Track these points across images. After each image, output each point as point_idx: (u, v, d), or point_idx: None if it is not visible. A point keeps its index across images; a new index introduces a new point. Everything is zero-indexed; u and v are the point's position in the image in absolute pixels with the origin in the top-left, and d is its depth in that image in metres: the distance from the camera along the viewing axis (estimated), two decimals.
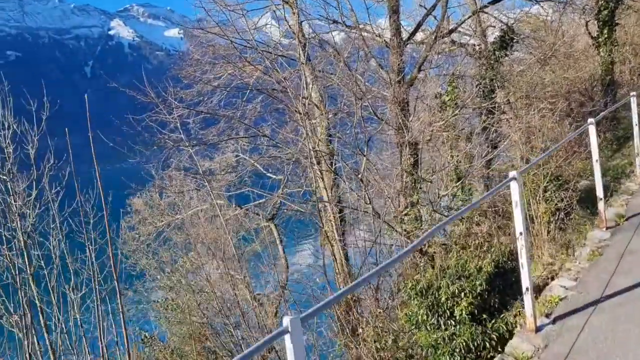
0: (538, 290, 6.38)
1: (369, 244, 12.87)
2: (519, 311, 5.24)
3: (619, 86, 17.80)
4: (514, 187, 4.53)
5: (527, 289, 4.61)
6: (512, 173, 4.55)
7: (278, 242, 18.99)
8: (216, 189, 17.82)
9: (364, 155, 11.46)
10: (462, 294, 6.89)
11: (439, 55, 15.77)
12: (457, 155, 13.65)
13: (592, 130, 6.71)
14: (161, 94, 14.57)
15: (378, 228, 11.38)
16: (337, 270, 14.53)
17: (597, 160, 6.80)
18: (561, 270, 5.69)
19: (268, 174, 18.20)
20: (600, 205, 6.81)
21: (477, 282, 6.93)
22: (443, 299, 6.93)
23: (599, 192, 6.78)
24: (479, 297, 6.95)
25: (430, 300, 7.03)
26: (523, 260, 4.59)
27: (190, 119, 15.21)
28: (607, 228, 6.72)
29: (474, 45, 15.55)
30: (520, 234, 4.58)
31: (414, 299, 7.23)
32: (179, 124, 14.28)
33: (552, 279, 5.55)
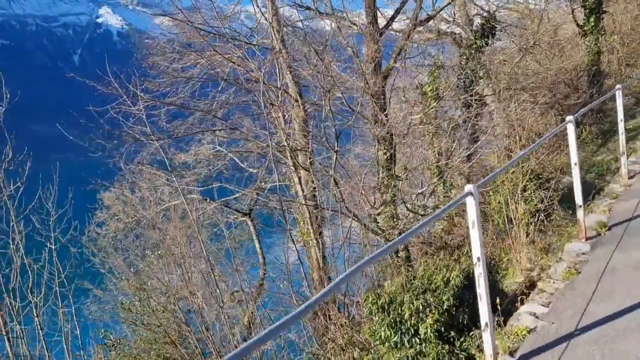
0: (521, 299, 5.69)
1: (346, 243, 12.25)
2: (480, 344, 4.55)
3: (607, 76, 17.16)
4: (470, 203, 3.79)
5: (486, 324, 3.90)
6: (468, 187, 3.81)
7: (255, 238, 18.32)
8: (189, 183, 17.10)
9: (334, 150, 10.76)
10: (428, 309, 6.24)
11: (420, 44, 15.06)
12: (437, 149, 13.00)
13: (570, 128, 5.98)
14: (126, 84, 13.73)
15: (348, 227, 10.74)
16: (312, 270, 13.91)
17: (576, 164, 6.07)
18: (532, 293, 5.00)
19: (245, 167, 17.48)
20: (580, 213, 6.09)
21: (444, 297, 6.28)
22: (407, 315, 6.28)
23: (578, 199, 6.06)
24: (446, 314, 6.31)
25: (392, 317, 6.38)
26: (481, 290, 3.86)
27: (156, 110, 14.39)
28: (587, 239, 5.99)
29: (455, 34, 14.82)
30: (478, 259, 3.86)
31: (375, 315, 6.57)
32: (144, 116, 13.51)
33: (522, 302, 4.86)
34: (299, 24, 16.80)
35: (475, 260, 3.84)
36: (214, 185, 16.60)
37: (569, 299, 4.62)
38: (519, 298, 4.92)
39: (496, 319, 4.74)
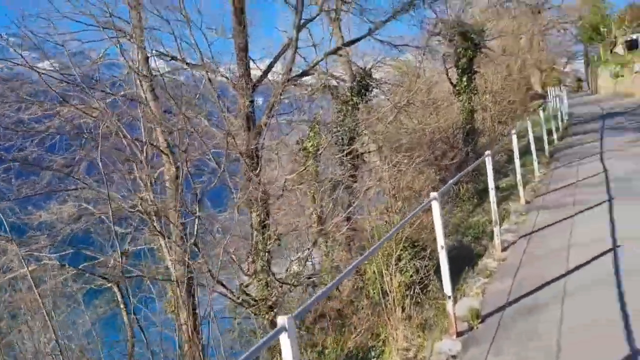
0: None
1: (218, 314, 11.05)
2: None
3: (481, 134, 17.60)
4: (285, 344, 2.79)
5: None
6: (281, 320, 2.83)
7: (122, 306, 16.43)
8: (40, 249, 15.03)
9: (196, 216, 9.61)
10: None
11: (297, 99, 14.49)
12: (314, 210, 12.22)
13: (435, 206, 5.27)
14: None
15: (209, 299, 9.53)
16: (183, 343, 12.48)
17: (442, 247, 5.36)
18: None
19: (113, 228, 15.71)
20: (449, 306, 5.32)
21: None
22: None
23: (447, 289, 5.31)
24: None
25: None
26: None
27: None
28: (458, 334, 5.20)
29: (333, 88, 14.42)
30: None
31: None
32: None
33: None
34: (171, 75, 15.74)
35: None
36: (69, 251, 14.63)
37: None
38: None
39: None
